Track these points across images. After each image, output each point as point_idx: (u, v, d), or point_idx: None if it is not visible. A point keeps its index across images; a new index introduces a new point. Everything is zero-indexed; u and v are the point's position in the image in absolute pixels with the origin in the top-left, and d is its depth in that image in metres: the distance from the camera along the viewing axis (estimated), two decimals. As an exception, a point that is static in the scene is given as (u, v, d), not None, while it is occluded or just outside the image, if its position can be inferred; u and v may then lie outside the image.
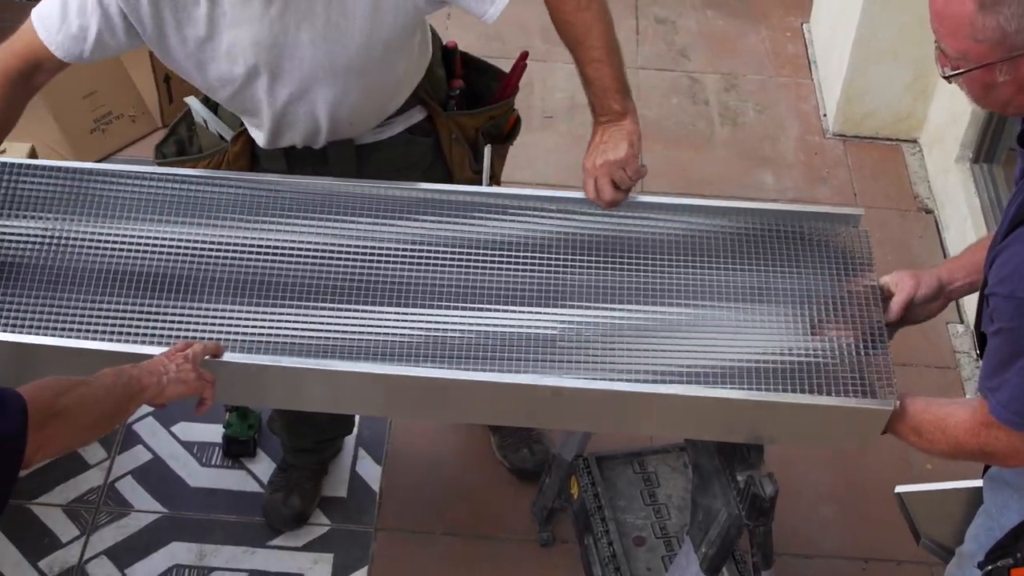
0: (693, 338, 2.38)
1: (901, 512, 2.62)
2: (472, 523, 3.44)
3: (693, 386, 2.28)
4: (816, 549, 3.39)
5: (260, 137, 2.68)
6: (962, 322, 3.98)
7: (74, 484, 3.48)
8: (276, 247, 2.50)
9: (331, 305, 2.42)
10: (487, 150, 2.84)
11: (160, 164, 2.77)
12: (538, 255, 2.52)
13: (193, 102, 2.82)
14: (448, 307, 2.42)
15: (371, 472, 3.54)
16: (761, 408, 2.28)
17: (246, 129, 2.71)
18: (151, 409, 3.63)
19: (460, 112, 2.82)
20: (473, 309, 2.42)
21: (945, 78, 2.03)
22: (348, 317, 2.40)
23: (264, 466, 3.53)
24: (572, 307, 2.43)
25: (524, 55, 2.91)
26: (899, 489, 2.62)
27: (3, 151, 2.97)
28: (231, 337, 2.36)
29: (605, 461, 3.13)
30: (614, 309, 2.43)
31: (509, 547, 3.39)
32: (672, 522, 3.02)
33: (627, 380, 2.30)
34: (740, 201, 2.64)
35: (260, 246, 2.50)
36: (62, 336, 2.36)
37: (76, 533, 3.37)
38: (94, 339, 2.35)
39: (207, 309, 2.41)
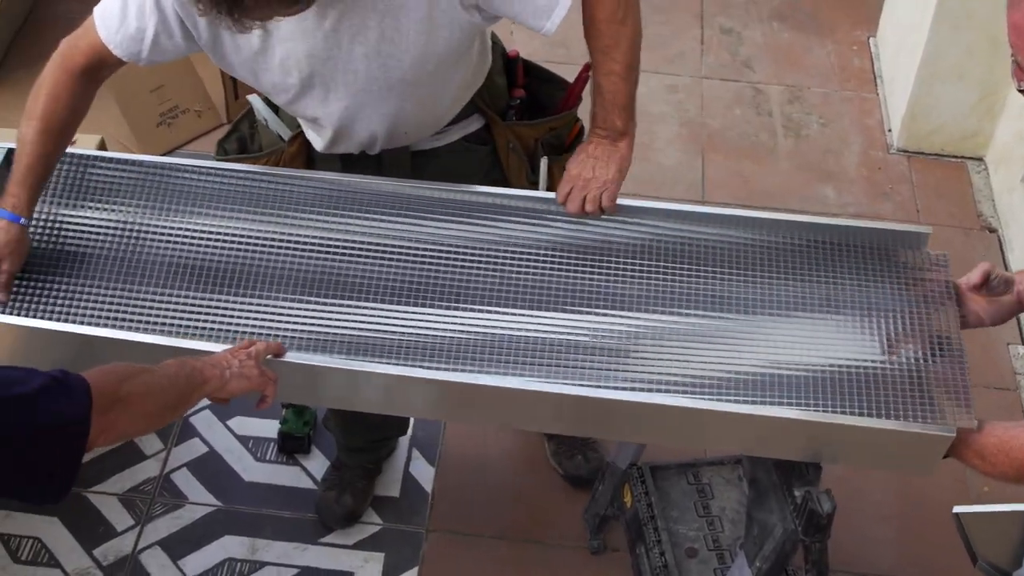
0: (754, 351, 2.37)
1: (958, 532, 2.59)
2: (523, 527, 3.45)
3: (754, 404, 2.27)
4: (870, 567, 3.37)
5: (317, 142, 2.70)
6: (1023, 343, 3.94)
7: (130, 474, 3.51)
8: (336, 244, 2.53)
9: (388, 305, 2.44)
10: (543, 162, 2.83)
11: (219, 160, 2.80)
12: (595, 260, 2.53)
13: (255, 100, 2.84)
14: (504, 310, 2.43)
15: (424, 473, 3.55)
16: (821, 428, 2.27)
17: (302, 131, 2.73)
18: (208, 402, 3.63)
19: (519, 122, 2.82)
20: (530, 313, 2.43)
21: (1020, 91, 2.01)
22: (404, 317, 2.42)
23: (318, 463, 3.55)
24: (631, 316, 2.44)
25: (587, 66, 2.90)
26: (957, 509, 2.60)
27: (75, 142, 3.01)
28: (289, 335, 2.38)
29: (659, 471, 3.12)
30: (673, 318, 2.43)
31: (560, 553, 3.39)
32: (725, 535, 3.01)
33: (684, 393, 2.30)
34: (803, 215, 2.64)
35: (320, 243, 2.53)
36: (124, 329, 2.38)
37: (131, 523, 3.40)
38: (155, 333, 2.37)
39: (265, 304, 2.44)
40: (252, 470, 3.55)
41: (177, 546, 3.37)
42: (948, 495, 3.37)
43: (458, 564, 3.36)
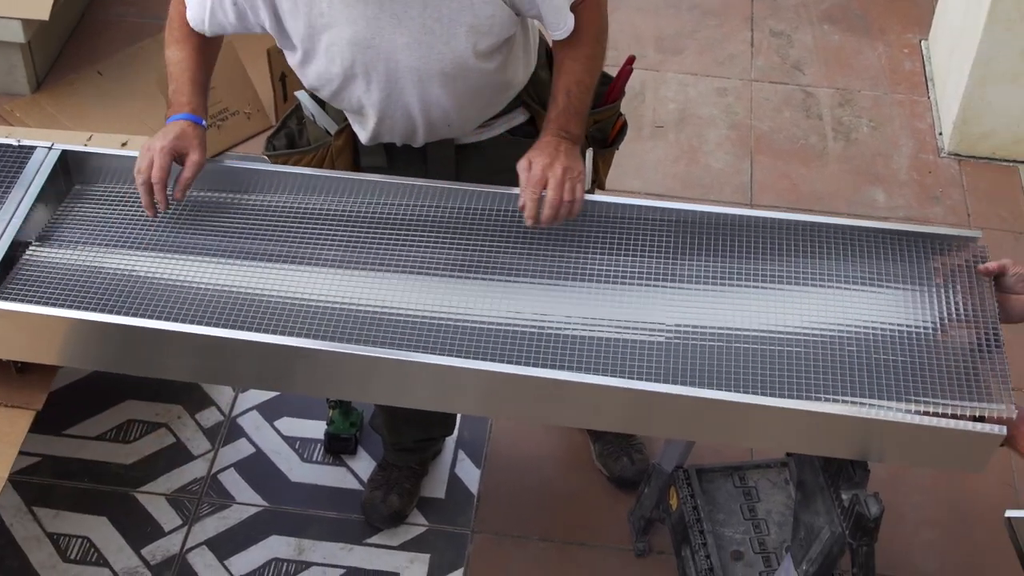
0: (800, 345, 2.38)
1: (1009, 537, 2.57)
2: (568, 529, 3.44)
3: (801, 400, 2.26)
4: (917, 572, 3.34)
5: (361, 134, 2.73)
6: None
7: (178, 474, 3.53)
8: (379, 240, 2.60)
9: (433, 300, 2.47)
10: (588, 154, 2.84)
11: (269, 156, 2.86)
12: (640, 259, 2.55)
13: (303, 96, 2.86)
14: (551, 308, 2.45)
15: (470, 474, 3.55)
16: (868, 425, 2.25)
17: (349, 124, 2.76)
18: (255, 403, 3.69)
19: None
20: (579, 313, 2.44)
21: None
22: (452, 312, 2.44)
23: (364, 464, 3.56)
24: (678, 312, 2.45)
25: (630, 60, 2.91)
26: (1009, 513, 2.56)
27: (125, 143, 3.06)
28: (335, 329, 2.41)
29: (705, 474, 3.11)
30: (720, 313, 2.45)
31: (605, 555, 3.38)
32: (771, 538, 3.00)
33: (733, 389, 2.30)
34: (852, 219, 2.64)
35: (361, 239, 2.60)
36: (158, 319, 2.43)
37: (179, 523, 3.42)
38: (192, 323, 2.42)
39: (305, 296, 2.49)
40: (299, 471, 3.56)
41: (224, 546, 3.38)
42: (995, 499, 3.34)
43: (503, 565, 3.36)
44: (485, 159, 2.75)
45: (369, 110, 2.62)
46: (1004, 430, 2.20)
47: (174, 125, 2.57)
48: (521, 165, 2.53)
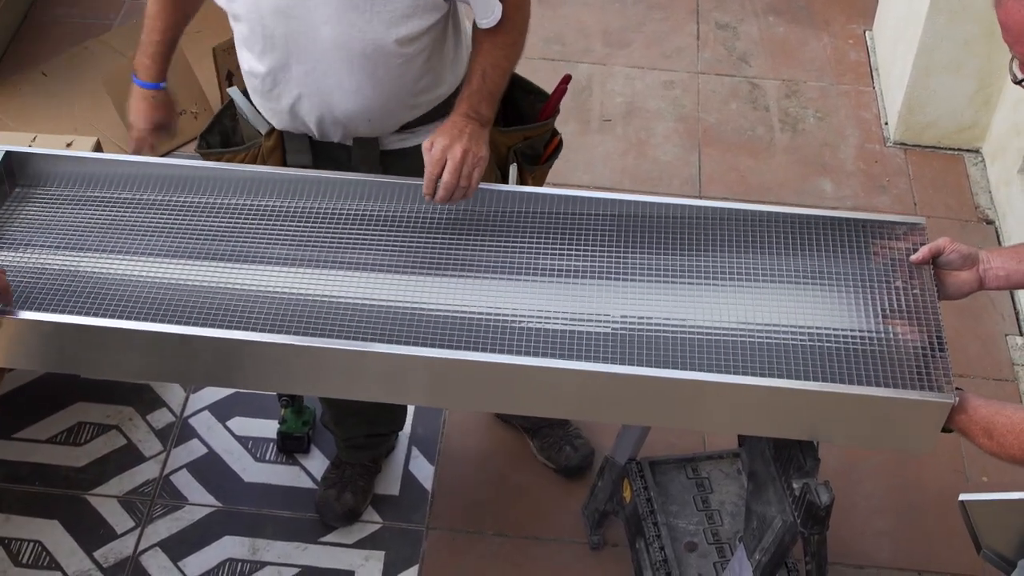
0: (746, 336, 2.38)
1: (963, 520, 2.59)
2: (523, 524, 3.44)
3: (749, 376, 2.28)
4: (870, 560, 3.36)
5: (281, 117, 2.71)
6: (1021, 334, 3.94)
7: (130, 476, 3.51)
8: (327, 237, 2.58)
9: (382, 294, 2.46)
10: (512, 168, 2.83)
11: (201, 153, 2.85)
12: (589, 252, 2.55)
13: (235, 94, 2.84)
14: (501, 301, 2.45)
15: (424, 471, 3.55)
16: (818, 399, 2.27)
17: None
18: (207, 403, 3.67)
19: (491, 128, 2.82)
20: (528, 306, 2.44)
21: (1018, 83, 2.04)
22: (403, 306, 2.43)
23: (318, 463, 3.55)
24: (627, 304, 2.45)
25: (566, 79, 2.90)
26: (963, 497, 2.59)
27: (70, 144, 3.03)
28: (284, 323, 2.40)
29: (658, 466, 3.12)
30: (668, 303, 2.45)
31: (559, 549, 3.39)
32: (725, 528, 3.01)
33: (682, 370, 2.31)
34: (799, 208, 2.64)
35: (298, 234, 2.59)
36: (114, 317, 2.40)
37: (131, 525, 3.40)
38: (147, 320, 2.39)
39: (256, 288, 2.48)
40: (252, 470, 3.55)
41: (177, 547, 3.37)
42: (946, 486, 3.37)
43: (458, 561, 3.36)
44: (410, 167, 2.73)
45: (284, 86, 2.61)
46: (955, 397, 2.23)
47: (144, 101, 2.90)
48: (424, 145, 2.56)
